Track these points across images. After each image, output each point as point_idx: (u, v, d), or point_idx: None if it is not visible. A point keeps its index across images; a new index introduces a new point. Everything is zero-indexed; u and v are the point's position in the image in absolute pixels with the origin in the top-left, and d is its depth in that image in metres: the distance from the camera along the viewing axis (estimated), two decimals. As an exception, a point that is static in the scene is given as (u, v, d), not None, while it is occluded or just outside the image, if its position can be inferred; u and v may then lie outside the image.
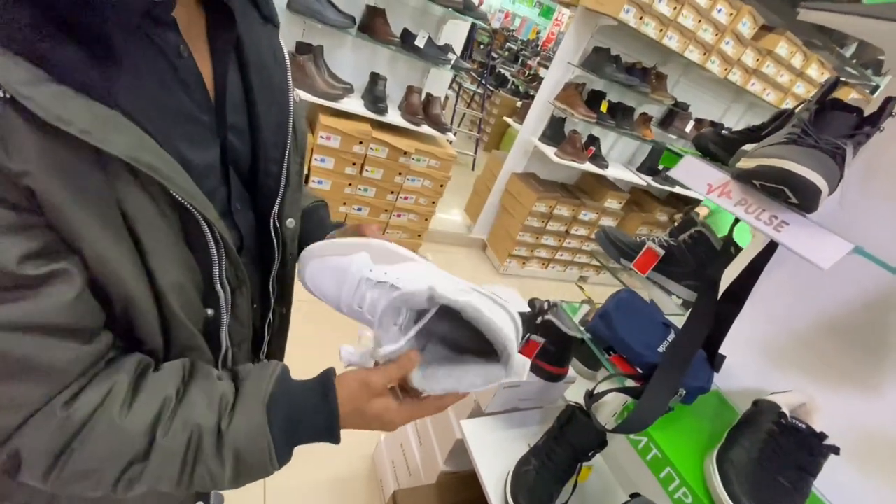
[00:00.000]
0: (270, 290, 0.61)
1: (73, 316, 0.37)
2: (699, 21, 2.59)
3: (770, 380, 0.86)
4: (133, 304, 0.40)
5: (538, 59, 6.22)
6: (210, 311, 0.48)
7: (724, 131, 0.98)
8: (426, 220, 2.86)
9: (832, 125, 0.67)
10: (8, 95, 0.31)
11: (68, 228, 0.35)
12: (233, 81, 0.48)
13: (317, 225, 0.69)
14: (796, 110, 0.81)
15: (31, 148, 0.32)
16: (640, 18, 2.46)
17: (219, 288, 0.46)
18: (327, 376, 0.49)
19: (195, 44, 0.45)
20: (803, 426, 0.71)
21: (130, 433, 0.39)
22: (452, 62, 2.52)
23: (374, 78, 2.44)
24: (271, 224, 0.55)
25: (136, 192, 0.37)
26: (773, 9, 1.05)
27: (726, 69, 2.90)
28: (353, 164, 2.43)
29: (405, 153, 2.50)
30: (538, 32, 9.00)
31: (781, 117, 0.88)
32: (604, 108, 2.83)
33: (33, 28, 0.31)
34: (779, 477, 0.68)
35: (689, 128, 3.14)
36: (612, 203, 3.24)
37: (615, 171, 3.13)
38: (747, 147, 0.83)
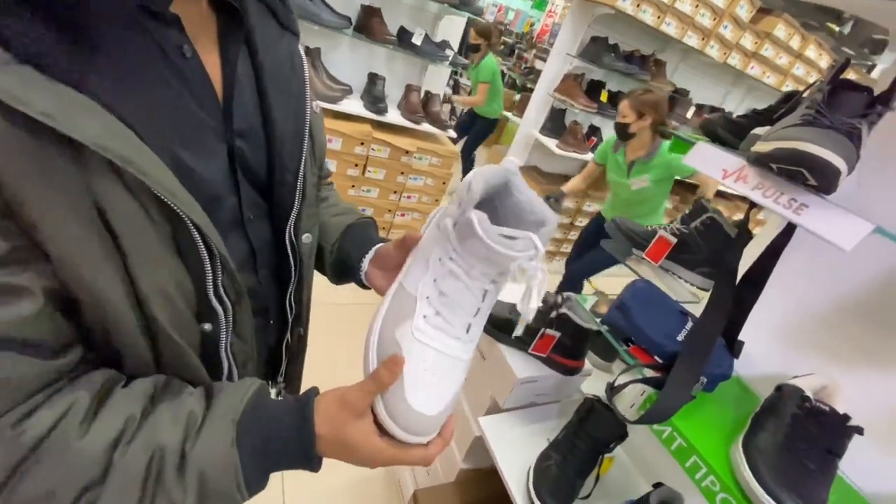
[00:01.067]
0: (288, 309, 0.59)
1: (33, 331, 0.35)
2: (696, 6, 2.58)
3: (790, 364, 0.85)
4: (107, 312, 0.37)
5: (534, 51, 6.20)
6: (207, 326, 0.45)
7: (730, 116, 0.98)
8: (430, 218, 2.86)
9: (845, 105, 0.66)
10: None
11: (29, 223, 0.33)
12: (245, 87, 0.47)
13: (361, 242, 0.65)
14: (807, 92, 0.81)
15: None
16: (638, 6, 2.44)
17: (214, 301, 0.43)
18: (308, 395, 0.45)
19: (205, 45, 0.44)
20: (827, 408, 0.71)
21: (86, 455, 0.36)
22: (450, 58, 2.51)
23: (373, 78, 2.44)
24: (286, 238, 0.53)
25: (119, 192, 0.35)
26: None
27: (725, 53, 2.88)
28: (356, 165, 2.43)
29: (407, 152, 2.50)
30: (532, 25, 8.96)
31: (791, 100, 0.87)
32: (604, 97, 2.83)
33: None
34: (805, 460, 0.68)
35: (689, 114, 3.12)
36: (616, 193, 3.23)
37: (617, 161, 3.11)
38: (759, 131, 0.83)
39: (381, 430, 0.43)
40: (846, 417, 0.70)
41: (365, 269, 0.62)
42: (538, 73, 3.83)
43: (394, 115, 2.49)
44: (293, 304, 0.59)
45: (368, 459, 0.43)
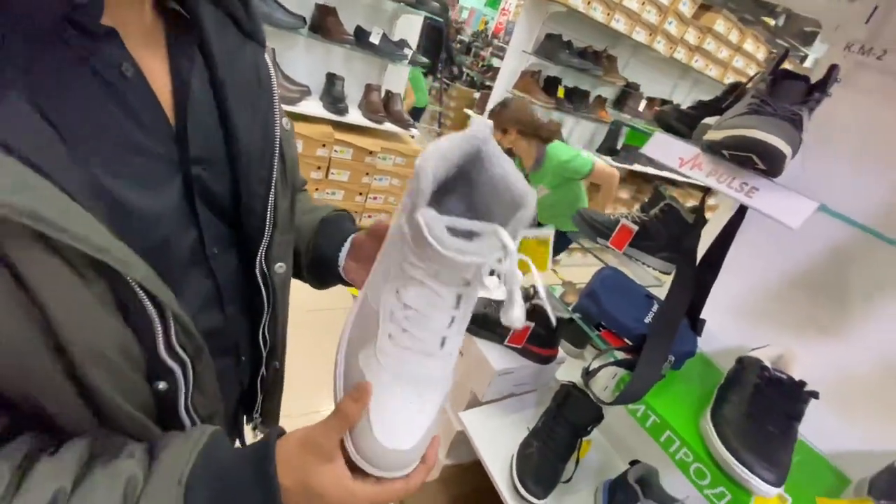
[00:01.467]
0: (261, 342, 0.55)
1: None
2: (643, 3, 2.69)
3: (749, 337, 0.91)
4: (33, 381, 0.33)
5: (490, 49, 6.28)
6: (161, 385, 0.39)
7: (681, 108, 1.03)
8: (397, 218, 2.85)
9: (786, 94, 0.71)
10: None
11: None
12: (202, 106, 0.42)
13: (335, 235, 0.61)
14: (751, 83, 0.86)
15: None
16: (588, 3, 2.52)
17: (167, 359, 0.38)
18: (268, 441, 0.40)
19: (151, 61, 0.38)
20: (784, 376, 0.76)
21: None
22: (409, 57, 2.50)
23: (331, 78, 2.40)
24: (257, 269, 0.49)
25: (37, 252, 0.29)
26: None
27: (671, 48, 3.02)
28: (318, 167, 2.39)
29: (370, 153, 2.47)
30: (486, 23, 9.06)
31: (736, 90, 0.93)
32: (560, 93, 2.90)
33: None
34: (768, 426, 0.72)
35: (641, 107, 3.25)
36: (577, 185, 3.33)
37: (577, 155, 3.21)
38: (708, 120, 0.88)
39: (354, 468, 0.38)
40: (802, 383, 0.76)
41: (342, 263, 0.59)
42: (496, 70, 3.88)
43: (355, 116, 2.46)
44: (267, 337, 0.55)
45: None
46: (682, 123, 1.00)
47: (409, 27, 2.63)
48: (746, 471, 0.66)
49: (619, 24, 2.69)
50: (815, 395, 0.74)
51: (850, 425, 0.83)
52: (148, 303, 0.35)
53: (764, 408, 0.73)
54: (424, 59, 2.64)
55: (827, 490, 0.79)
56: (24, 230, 0.28)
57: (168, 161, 0.39)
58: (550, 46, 2.71)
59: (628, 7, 2.65)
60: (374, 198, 2.67)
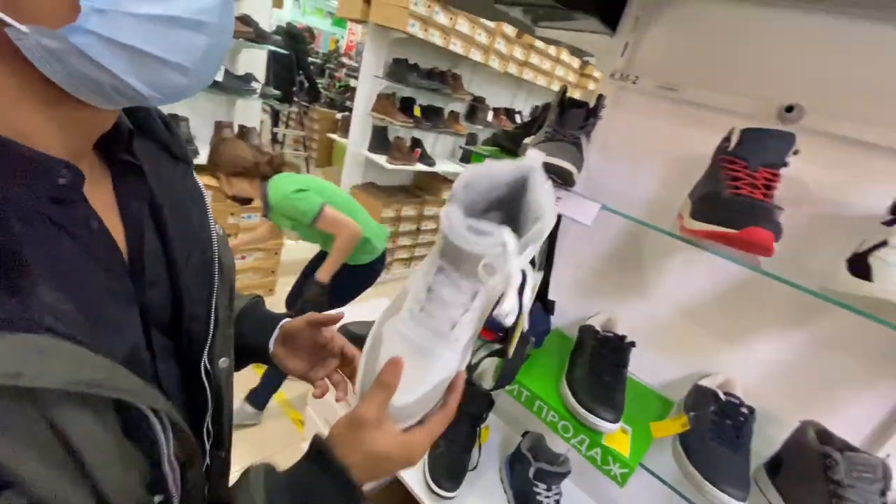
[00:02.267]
0: (205, 436, 0.55)
1: None
2: (473, 27, 3.01)
3: (586, 308, 1.13)
4: None
5: (345, 70, 6.33)
6: (158, 498, 0.40)
7: (509, 129, 1.24)
8: (276, 254, 2.75)
9: (570, 121, 0.92)
10: None
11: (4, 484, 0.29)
12: (149, 236, 0.44)
13: (260, 322, 0.65)
14: (550, 108, 1.08)
15: None
16: (426, 30, 2.74)
17: (167, 468, 0.40)
18: (317, 440, 0.45)
19: (104, 208, 0.41)
20: (611, 335, 0.98)
21: None
22: (259, 91, 2.45)
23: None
24: (202, 368, 0.51)
25: (74, 413, 0.31)
26: (518, 25, 1.34)
27: (504, 64, 3.42)
28: (175, 216, 2.21)
29: (233, 193, 2.36)
30: (337, 42, 9.08)
31: (546, 111, 1.15)
32: (417, 112, 3.09)
33: None
34: (604, 376, 0.93)
35: (489, 118, 3.62)
36: (448, 195, 3.57)
37: (443, 166, 3.44)
38: (527, 140, 1.08)
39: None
40: (623, 338, 0.98)
41: (272, 350, 0.64)
42: (354, 90, 3.96)
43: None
44: (211, 430, 0.56)
45: (408, 456, 0.45)
46: (511, 142, 1.21)
47: (254, 59, 2.57)
48: (592, 416, 0.84)
49: (457, 46, 2.98)
50: (633, 344, 0.97)
51: (665, 361, 1.09)
52: (157, 426, 0.37)
53: (600, 363, 0.94)
54: (275, 91, 2.61)
55: (658, 414, 1.02)
56: (67, 396, 0.30)
57: (127, 297, 0.41)
58: (399, 70, 2.88)
59: (461, 31, 2.94)
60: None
